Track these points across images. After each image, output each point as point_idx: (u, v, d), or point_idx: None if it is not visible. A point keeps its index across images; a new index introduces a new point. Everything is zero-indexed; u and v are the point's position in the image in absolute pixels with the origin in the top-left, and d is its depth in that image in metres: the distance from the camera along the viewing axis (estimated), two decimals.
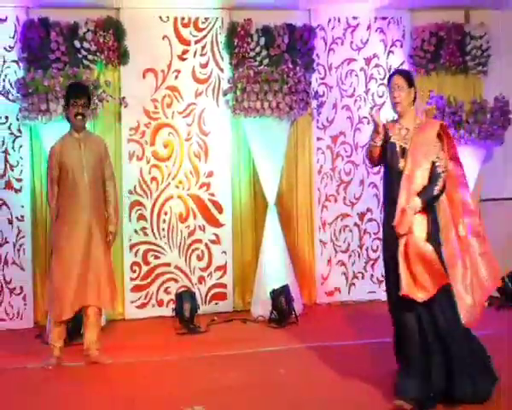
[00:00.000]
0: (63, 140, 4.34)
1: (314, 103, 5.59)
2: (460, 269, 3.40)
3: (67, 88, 4.43)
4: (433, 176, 3.38)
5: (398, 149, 3.44)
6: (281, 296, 5.22)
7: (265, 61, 5.50)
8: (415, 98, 3.49)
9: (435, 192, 3.38)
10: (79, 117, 4.27)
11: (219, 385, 3.84)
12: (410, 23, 5.96)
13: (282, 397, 3.65)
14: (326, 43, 5.86)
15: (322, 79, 5.86)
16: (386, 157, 3.49)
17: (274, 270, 5.42)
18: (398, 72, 3.61)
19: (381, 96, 5.95)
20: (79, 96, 4.29)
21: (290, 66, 5.35)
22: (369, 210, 5.99)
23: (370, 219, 5.99)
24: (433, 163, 3.38)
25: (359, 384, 3.75)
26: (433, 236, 3.40)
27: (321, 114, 5.72)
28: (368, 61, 5.95)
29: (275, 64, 5.46)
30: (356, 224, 5.97)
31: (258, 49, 5.49)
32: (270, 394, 3.71)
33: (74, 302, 4.21)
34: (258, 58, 5.51)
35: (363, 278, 5.96)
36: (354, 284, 5.95)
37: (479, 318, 3.40)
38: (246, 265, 5.78)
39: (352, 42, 5.91)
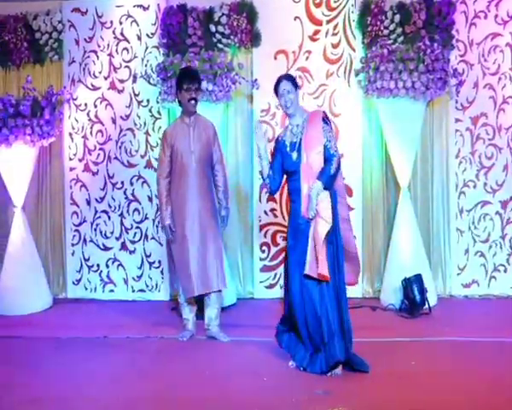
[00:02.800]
0: (175, 124, 4.60)
1: (453, 82, 5.47)
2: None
3: (180, 73, 4.62)
4: (326, 158, 3.78)
5: (288, 145, 3.86)
6: (413, 286, 5.24)
7: (400, 39, 5.49)
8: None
9: (332, 171, 3.77)
10: (193, 102, 4.49)
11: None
12: None
13: (413, 387, 3.66)
14: (467, 18, 5.75)
15: (462, 56, 5.77)
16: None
17: (406, 258, 5.43)
18: (285, 78, 3.99)
19: None
20: (193, 82, 4.50)
21: (427, 43, 5.30)
22: None
23: None
24: (325, 147, 3.78)
25: (491, 384, 3.68)
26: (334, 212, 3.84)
27: (460, 93, 5.59)
28: None
29: (410, 42, 5.39)
30: (498, 212, 5.85)
31: (392, 26, 5.50)
32: (400, 383, 3.72)
33: (199, 287, 4.49)
34: (393, 36, 5.51)
35: (505, 271, 5.83)
36: (495, 277, 5.84)
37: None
38: (376, 251, 5.86)
39: (496, 15, 5.74)
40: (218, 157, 4.66)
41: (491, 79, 5.79)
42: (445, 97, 5.62)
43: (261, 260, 5.89)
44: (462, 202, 5.86)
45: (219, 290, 4.65)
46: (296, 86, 3.98)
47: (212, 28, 5.68)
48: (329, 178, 3.80)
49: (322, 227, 3.76)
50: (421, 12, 5.52)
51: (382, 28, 5.54)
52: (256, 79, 5.69)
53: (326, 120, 3.94)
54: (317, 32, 5.79)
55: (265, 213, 5.87)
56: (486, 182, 5.83)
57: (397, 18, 5.50)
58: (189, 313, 4.72)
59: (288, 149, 3.93)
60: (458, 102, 5.78)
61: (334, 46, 5.80)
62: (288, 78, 4.03)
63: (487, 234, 5.85)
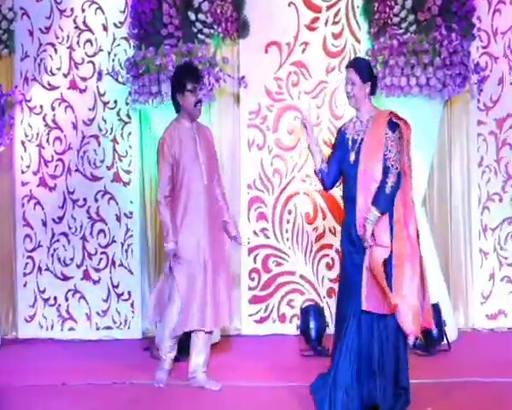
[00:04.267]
0: (175, 129, 4.21)
1: (474, 78, 5.24)
2: (408, 271, 3.60)
3: (181, 70, 4.33)
4: (383, 170, 3.56)
5: (349, 141, 3.68)
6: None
7: (412, 29, 5.15)
8: (373, 90, 3.72)
9: (387, 190, 3.53)
10: (199, 106, 4.20)
11: None
12: None
13: None
14: (490, 4, 5.48)
15: (485, 47, 5.51)
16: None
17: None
18: (351, 65, 3.74)
19: None
20: (198, 81, 4.21)
21: (444, 33, 5.00)
22: None
23: None
24: (384, 155, 3.56)
25: None
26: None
27: (483, 91, 5.34)
28: None
29: (424, 31, 5.07)
30: None
31: (403, 13, 5.14)
32: None
33: (211, 320, 4.18)
34: (404, 25, 5.16)
35: None
36: None
37: (421, 322, 3.62)
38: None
39: None
40: (218, 169, 4.39)
41: None
42: (465, 96, 5.41)
43: (250, 289, 5.59)
44: (486, 219, 5.58)
45: (210, 332, 4.32)
46: (365, 77, 3.69)
47: (192, 16, 5.33)
48: (386, 199, 3.57)
49: (378, 254, 3.56)
50: None
51: (392, 16, 5.17)
52: (243, 76, 5.41)
53: (392, 124, 3.66)
54: (315, 21, 5.53)
55: (255, 233, 5.58)
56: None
57: (408, 3, 5.13)
58: (169, 352, 4.31)
59: (349, 145, 3.71)
60: (481, 102, 5.53)
61: (336, 37, 5.55)
62: (355, 66, 3.75)
63: None
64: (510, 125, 5.50)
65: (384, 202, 3.55)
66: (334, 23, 5.50)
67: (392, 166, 3.56)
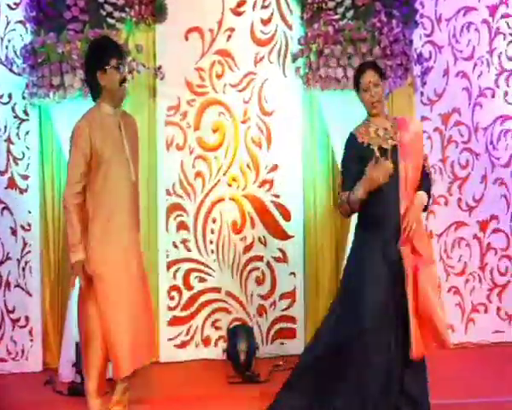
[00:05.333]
0: (93, 117, 3.71)
1: (417, 70, 5.20)
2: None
3: (101, 44, 3.91)
4: (422, 175, 3.57)
5: (377, 152, 3.46)
6: None
7: (349, 14, 5.00)
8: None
9: (431, 190, 3.61)
10: (125, 85, 3.76)
11: None
12: None
13: None
14: None
15: (428, 36, 5.43)
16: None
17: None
18: (370, 66, 3.67)
19: (511, 59, 5.48)
20: (122, 57, 3.78)
21: (383, 19, 4.91)
22: (494, 217, 5.52)
23: (496, 230, 5.53)
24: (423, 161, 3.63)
25: None
26: None
27: (426, 84, 5.31)
28: (492, 9, 5.44)
29: (362, 17, 4.96)
30: (476, 236, 5.52)
31: None
32: None
33: (134, 359, 3.72)
34: (340, 10, 4.99)
35: (486, 311, 5.51)
36: (473, 319, 5.49)
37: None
38: (322, 291, 5.38)
39: None
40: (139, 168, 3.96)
41: (464, 66, 5.49)
42: (407, 89, 5.27)
43: (169, 309, 5.33)
44: (432, 224, 5.46)
45: None
46: (383, 76, 3.67)
47: None
48: (429, 198, 3.55)
49: (433, 272, 3.50)
50: None
51: (327, 0, 5.04)
52: (160, 67, 5.14)
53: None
54: (241, 4, 5.32)
55: (175, 245, 5.32)
56: (461, 197, 5.54)
57: None
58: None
59: (376, 155, 3.49)
60: (424, 95, 5.45)
61: (265, 23, 5.33)
62: (374, 66, 3.68)
63: (463, 264, 5.52)
64: (456, 121, 5.47)
65: (428, 198, 3.54)
66: (263, 7, 5.32)
67: (429, 170, 3.65)
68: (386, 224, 3.47)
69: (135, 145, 3.87)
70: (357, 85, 3.63)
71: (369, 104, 3.60)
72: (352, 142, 3.62)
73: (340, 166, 3.68)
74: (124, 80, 3.77)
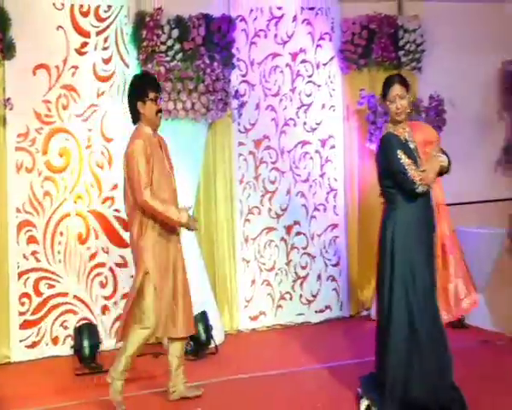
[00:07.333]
0: (143, 134, 4.14)
1: (234, 104, 5.62)
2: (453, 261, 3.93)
3: (142, 79, 4.35)
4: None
5: (414, 151, 3.88)
6: (198, 324, 5.18)
7: (178, 56, 5.40)
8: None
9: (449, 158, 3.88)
10: (160, 115, 4.25)
11: None
12: (340, 14, 6.11)
13: None
14: (247, 36, 5.89)
15: (244, 76, 5.90)
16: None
17: (195, 294, 5.09)
18: (397, 81, 3.91)
19: (308, 95, 6.10)
20: (159, 90, 4.26)
21: (207, 61, 5.37)
22: (296, 223, 6.13)
23: (298, 233, 6.14)
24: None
25: None
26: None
27: (242, 115, 5.76)
28: (294, 56, 6.04)
29: (189, 59, 5.40)
30: (283, 238, 6.08)
31: (170, 42, 5.36)
32: None
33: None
34: (171, 53, 5.39)
35: (291, 298, 6.11)
36: (281, 305, 6.07)
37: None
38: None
39: (276, 35, 5.97)
40: None
41: (272, 101, 6.01)
42: (226, 119, 5.70)
43: (21, 314, 5.36)
44: (248, 230, 5.97)
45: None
46: (408, 89, 3.93)
47: None
48: (449, 162, 3.90)
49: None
50: (200, 28, 5.46)
51: (159, 44, 5.36)
52: (9, 98, 5.17)
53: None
54: (84, 45, 5.47)
55: (25, 257, 5.38)
56: (271, 207, 6.03)
57: (175, 33, 5.39)
58: None
59: (415, 153, 3.88)
60: (241, 125, 5.90)
61: (106, 62, 5.53)
62: (401, 81, 3.92)
63: (273, 262, 6.05)
64: (266, 146, 5.97)
65: (449, 159, 3.89)
66: (104, 49, 5.46)
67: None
68: (421, 201, 3.88)
69: (170, 160, 4.33)
70: (384, 96, 3.91)
71: (393, 114, 3.88)
72: (394, 138, 3.88)
73: (388, 161, 3.87)
74: (160, 111, 4.23)
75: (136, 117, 4.23)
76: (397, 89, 3.85)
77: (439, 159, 3.82)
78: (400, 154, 3.79)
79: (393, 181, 3.85)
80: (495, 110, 6.79)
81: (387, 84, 3.90)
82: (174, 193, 4.27)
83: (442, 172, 3.88)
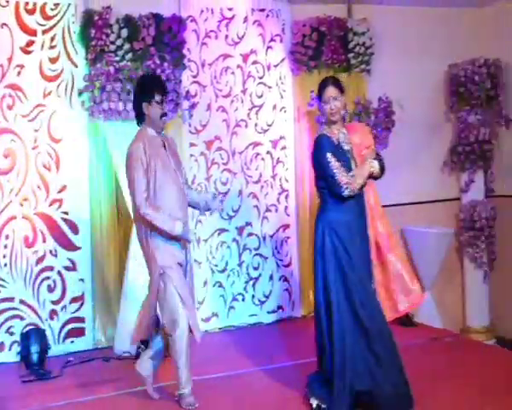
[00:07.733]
0: (143, 137, 4.12)
1: (185, 105, 5.60)
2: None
3: (149, 80, 4.29)
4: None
5: (348, 153, 3.97)
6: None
7: (128, 56, 5.36)
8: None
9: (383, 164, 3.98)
10: (165, 118, 4.25)
11: None
12: (291, 16, 6.15)
13: None
14: (198, 37, 5.87)
15: (195, 77, 5.88)
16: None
17: (142, 297, 5.04)
18: (331, 83, 3.99)
19: (259, 97, 6.12)
20: (166, 93, 4.23)
21: (157, 62, 5.35)
22: (248, 224, 6.13)
23: (250, 234, 6.14)
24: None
25: None
26: None
27: (193, 116, 5.75)
28: (245, 57, 6.06)
29: (139, 60, 5.37)
30: (235, 239, 6.08)
31: (119, 42, 5.29)
32: None
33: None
34: (120, 52, 5.34)
35: (243, 300, 6.11)
36: (233, 307, 6.07)
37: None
38: (109, 293, 5.63)
39: (227, 36, 5.98)
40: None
41: (223, 102, 6.00)
42: (177, 121, 5.65)
43: None
44: (200, 232, 5.93)
45: None
46: (343, 91, 3.99)
47: None
48: (382, 166, 4.00)
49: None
50: (150, 28, 5.41)
51: (108, 43, 5.30)
52: None
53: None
54: (30, 44, 5.37)
55: None
56: (222, 208, 5.94)
57: (124, 32, 5.32)
58: None
59: (348, 154, 3.95)
60: (192, 126, 5.87)
61: (53, 61, 5.44)
62: (335, 83, 4.00)
63: (225, 263, 6.04)
64: (217, 147, 5.94)
65: (381, 162, 3.99)
66: (51, 47, 5.38)
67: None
68: (353, 202, 3.96)
69: (177, 158, 4.32)
70: (319, 97, 3.98)
71: (328, 114, 3.95)
72: (326, 140, 3.92)
73: (319, 164, 3.93)
74: (164, 114, 4.19)
75: (140, 118, 4.25)
76: (330, 90, 3.93)
77: (370, 164, 3.92)
78: (330, 157, 3.86)
79: (325, 182, 3.94)
80: (442, 112, 6.93)
81: (322, 86, 3.98)
82: (179, 192, 4.25)
83: (375, 177, 3.97)
